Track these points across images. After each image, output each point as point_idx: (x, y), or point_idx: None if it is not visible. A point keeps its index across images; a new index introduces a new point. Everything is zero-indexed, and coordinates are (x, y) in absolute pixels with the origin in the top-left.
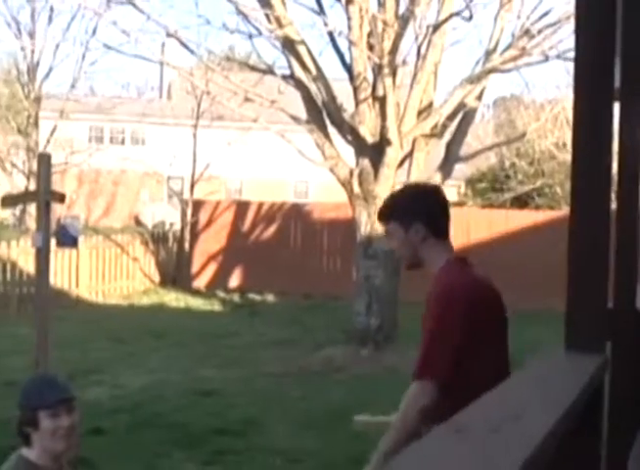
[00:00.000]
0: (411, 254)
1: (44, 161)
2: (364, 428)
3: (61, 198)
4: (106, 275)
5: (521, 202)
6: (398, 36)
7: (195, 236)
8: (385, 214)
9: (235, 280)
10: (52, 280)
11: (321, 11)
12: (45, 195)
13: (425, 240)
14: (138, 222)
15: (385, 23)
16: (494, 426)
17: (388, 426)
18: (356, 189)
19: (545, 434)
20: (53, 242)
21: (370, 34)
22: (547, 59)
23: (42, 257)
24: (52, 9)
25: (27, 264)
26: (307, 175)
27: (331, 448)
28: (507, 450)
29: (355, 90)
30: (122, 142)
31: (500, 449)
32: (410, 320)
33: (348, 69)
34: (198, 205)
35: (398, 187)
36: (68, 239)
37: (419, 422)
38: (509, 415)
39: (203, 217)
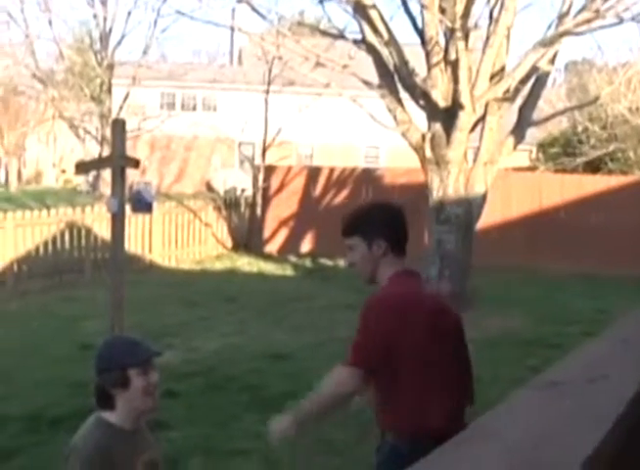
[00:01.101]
0: (371, 268)
1: (119, 126)
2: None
3: (135, 163)
4: (178, 240)
5: (593, 166)
6: None
7: (267, 201)
8: (349, 229)
9: (306, 245)
10: (126, 245)
11: None
12: (120, 160)
13: (385, 256)
14: (210, 188)
15: None
16: (586, 382)
17: None
18: (428, 154)
19: (636, 391)
20: (128, 207)
21: None
22: (621, 21)
23: (117, 222)
24: None
25: (101, 230)
26: (378, 140)
27: None
28: (601, 404)
29: (427, 54)
30: (194, 108)
31: (594, 403)
32: (482, 285)
33: (420, 33)
34: (269, 170)
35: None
36: (142, 204)
37: (340, 405)
38: (597, 374)
39: (274, 183)
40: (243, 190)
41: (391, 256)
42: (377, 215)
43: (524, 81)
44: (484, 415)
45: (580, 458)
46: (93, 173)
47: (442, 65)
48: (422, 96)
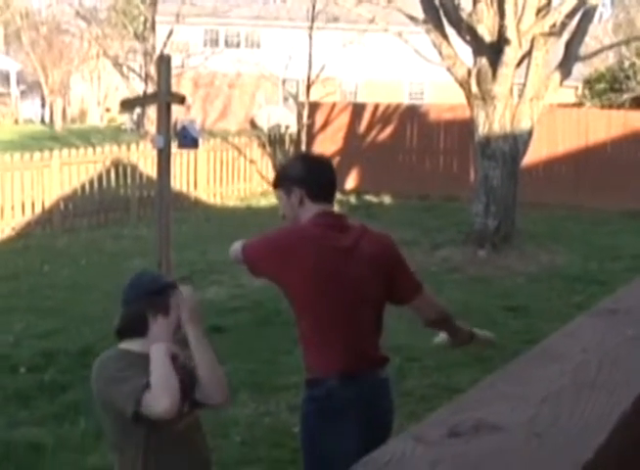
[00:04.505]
0: (293, 216)
1: (164, 62)
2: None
3: (181, 100)
4: (223, 178)
5: None
6: None
7: (311, 138)
8: (274, 183)
9: (351, 182)
10: (171, 183)
11: None
12: (165, 96)
13: (302, 203)
14: (253, 125)
15: None
16: None
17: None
18: (474, 89)
19: None
20: (173, 145)
21: None
22: None
23: (163, 158)
24: None
25: (147, 167)
26: (422, 76)
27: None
28: None
29: None
30: (237, 45)
31: None
32: (528, 222)
33: None
34: (314, 107)
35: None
36: (189, 140)
37: None
38: None
39: (319, 120)
40: (287, 127)
41: (309, 202)
42: (294, 167)
43: (570, 16)
44: (547, 339)
45: None
46: (137, 112)
47: None
48: (467, 31)
